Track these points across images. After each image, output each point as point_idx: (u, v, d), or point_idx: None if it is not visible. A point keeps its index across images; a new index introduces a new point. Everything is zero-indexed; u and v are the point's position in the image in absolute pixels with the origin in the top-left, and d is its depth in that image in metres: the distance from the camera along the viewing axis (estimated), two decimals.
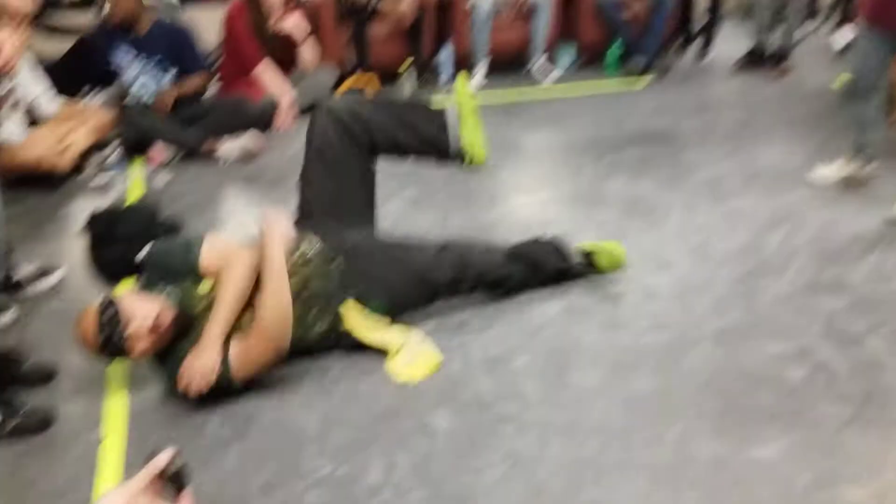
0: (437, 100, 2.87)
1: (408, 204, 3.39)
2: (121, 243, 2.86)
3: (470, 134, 2.71)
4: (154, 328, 2.07)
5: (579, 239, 3.00)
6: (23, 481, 1.89)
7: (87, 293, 2.74)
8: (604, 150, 3.99)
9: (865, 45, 3.24)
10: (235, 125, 4.12)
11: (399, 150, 2.69)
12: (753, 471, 1.88)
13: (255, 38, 4.30)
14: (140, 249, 2.80)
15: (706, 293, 2.66)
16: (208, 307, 2.17)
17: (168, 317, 2.10)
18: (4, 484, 1.89)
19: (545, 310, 2.58)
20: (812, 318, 2.50)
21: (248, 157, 3.91)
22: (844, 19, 6.06)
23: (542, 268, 2.66)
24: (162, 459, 1.06)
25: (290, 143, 4.16)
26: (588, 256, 2.71)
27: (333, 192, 2.60)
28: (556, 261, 2.69)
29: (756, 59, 5.44)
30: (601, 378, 2.23)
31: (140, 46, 4.13)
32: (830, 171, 3.53)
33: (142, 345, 2.08)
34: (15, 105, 3.63)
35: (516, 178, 3.72)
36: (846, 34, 5.86)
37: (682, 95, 4.96)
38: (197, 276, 2.26)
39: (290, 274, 2.22)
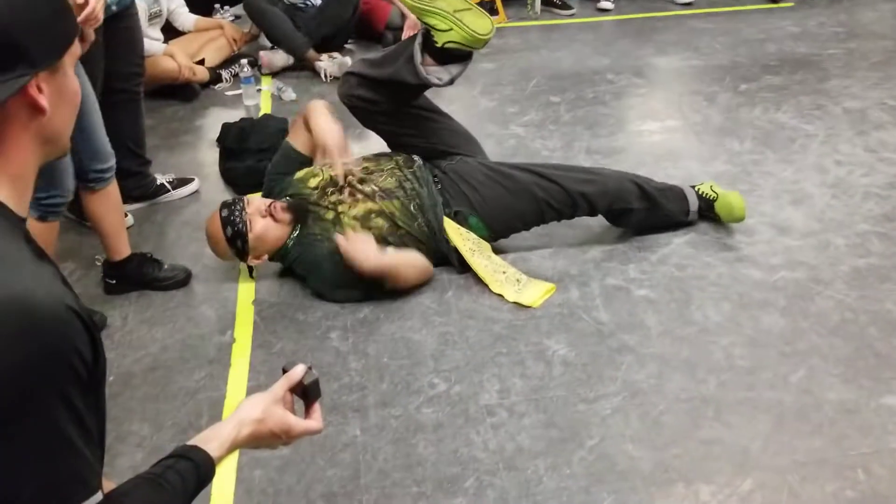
0: None
1: (531, 127, 3.34)
2: (252, 154, 2.96)
3: None
4: (269, 212, 2.27)
5: (709, 170, 2.90)
6: (162, 378, 2.03)
7: (203, 208, 2.85)
8: (740, 77, 3.78)
9: None
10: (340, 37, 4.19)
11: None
12: (885, 418, 1.81)
13: None
14: (270, 160, 2.91)
15: (844, 231, 2.52)
16: (321, 196, 2.35)
17: (282, 205, 2.30)
18: (144, 379, 2.03)
19: (670, 239, 2.52)
20: None
21: (343, 69, 3.91)
22: None
23: (660, 211, 2.52)
24: (298, 372, 1.11)
25: None
26: (709, 202, 2.56)
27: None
28: (678, 211, 2.55)
29: None
30: (726, 314, 2.17)
31: None
32: None
33: (263, 233, 2.26)
34: (157, 16, 3.76)
35: (646, 104, 3.59)
36: None
37: (828, 19, 4.61)
38: (304, 169, 2.46)
39: (383, 174, 2.41)
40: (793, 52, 4.09)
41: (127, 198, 2.68)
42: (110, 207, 2.22)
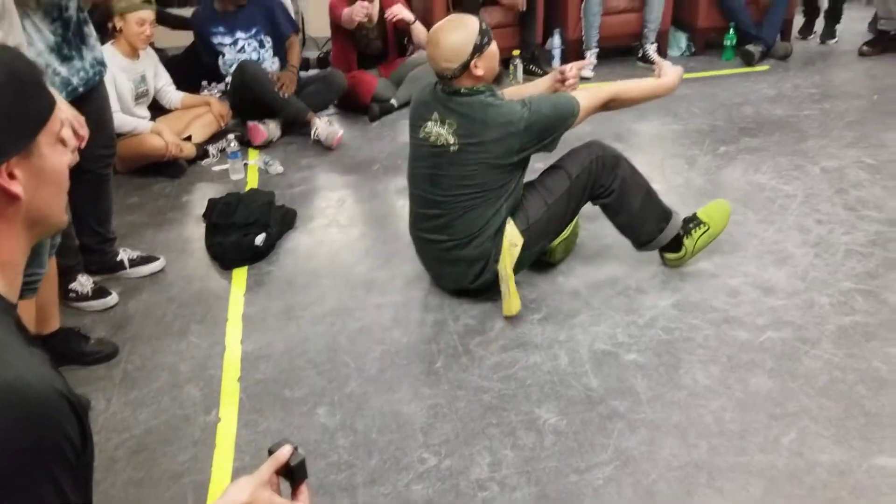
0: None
1: None
2: (238, 229, 2.98)
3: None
4: None
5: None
6: (145, 462, 2.00)
7: (188, 284, 2.86)
8: (719, 140, 3.85)
9: None
10: (330, 98, 4.34)
11: None
12: (877, 479, 1.79)
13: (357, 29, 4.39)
14: (257, 236, 2.93)
15: (828, 289, 2.54)
16: None
17: None
18: (128, 463, 2.00)
19: (657, 302, 2.53)
20: None
21: (333, 138, 3.98)
22: None
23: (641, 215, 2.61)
24: (284, 453, 1.10)
25: (399, 132, 4.22)
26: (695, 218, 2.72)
27: None
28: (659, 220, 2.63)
29: (886, 42, 5.12)
30: (715, 377, 2.17)
31: (237, 24, 4.27)
32: None
33: None
34: (144, 95, 3.82)
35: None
36: None
37: (802, 81, 4.73)
38: None
39: None
40: (769, 115, 4.18)
41: (86, 271, 2.70)
42: (45, 283, 2.19)
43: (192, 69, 4.60)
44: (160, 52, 4.29)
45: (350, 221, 3.25)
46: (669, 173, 3.51)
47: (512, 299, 2.46)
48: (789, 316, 2.41)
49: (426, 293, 2.66)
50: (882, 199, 3.13)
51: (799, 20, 5.69)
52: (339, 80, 4.34)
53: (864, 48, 5.18)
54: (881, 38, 5.14)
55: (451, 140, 2.42)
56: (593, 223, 3.04)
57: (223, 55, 4.29)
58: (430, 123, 2.48)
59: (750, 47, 5.07)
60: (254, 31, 4.29)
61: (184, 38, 4.97)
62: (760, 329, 2.36)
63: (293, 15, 4.80)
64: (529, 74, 4.95)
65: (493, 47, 2.42)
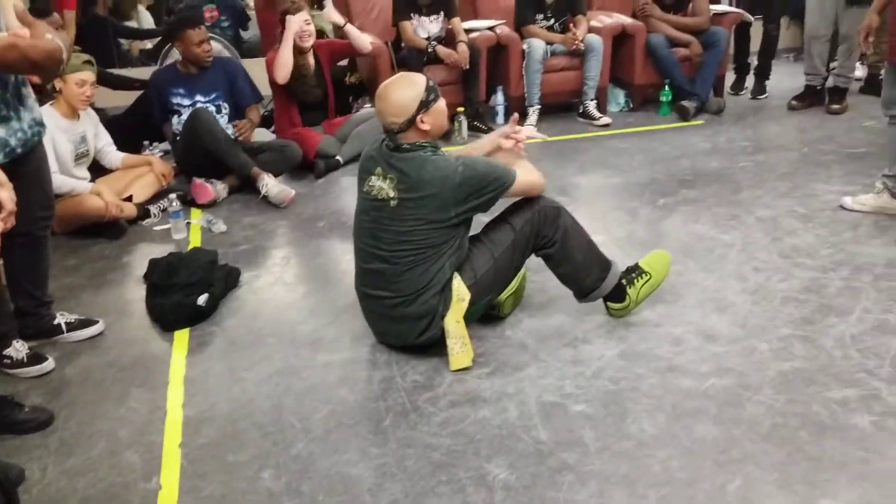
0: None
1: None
2: (179, 289, 2.93)
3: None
4: None
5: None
6: None
7: (128, 347, 2.80)
8: (658, 192, 3.95)
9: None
10: (282, 169, 4.28)
11: None
12: None
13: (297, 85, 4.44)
14: (199, 296, 2.89)
15: (767, 336, 2.60)
16: None
17: None
18: None
19: (603, 352, 2.55)
20: (879, 361, 2.42)
21: (285, 196, 3.96)
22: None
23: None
24: None
25: (345, 189, 4.23)
26: (637, 268, 2.78)
27: None
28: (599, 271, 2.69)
29: (812, 96, 5.36)
30: (661, 426, 2.18)
31: (197, 87, 4.28)
32: (863, 199, 3.59)
33: None
34: (84, 156, 3.77)
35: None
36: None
37: (736, 134, 4.90)
38: None
39: None
40: (706, 167, 4.31)
41: (20, 336, 2.62)
42: None
43: (133, 129, 4.58)
44: (100, 112, 4.25)
45: (296, 279, 3.22)
46: (612, 225, 3.58)
47: (465, 353, 2.46)
48: (731, 363, 2.45)
49: (374, 350, 2.64)
50: (815, 246, 3.23)
51: (731, 77, 5.93)
52: (295, 153, 4.32)
53: (793, 102, 5.40)
54: (809, 92, 5.38)
55: (392, 194, 2.44)
56: (539, 275, 3.07)
57: (179, 114, 4.27)
58: (373, 178, 2.50)
59: (685, 103, 5.25)
60: (213, 95, 4.30)
61: (125, 98, 4.96)
62: (704, 376, 2.39)
63: None
64: (474, 131, 5.03)
65: (441, 104, 2.47)
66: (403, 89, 2.42)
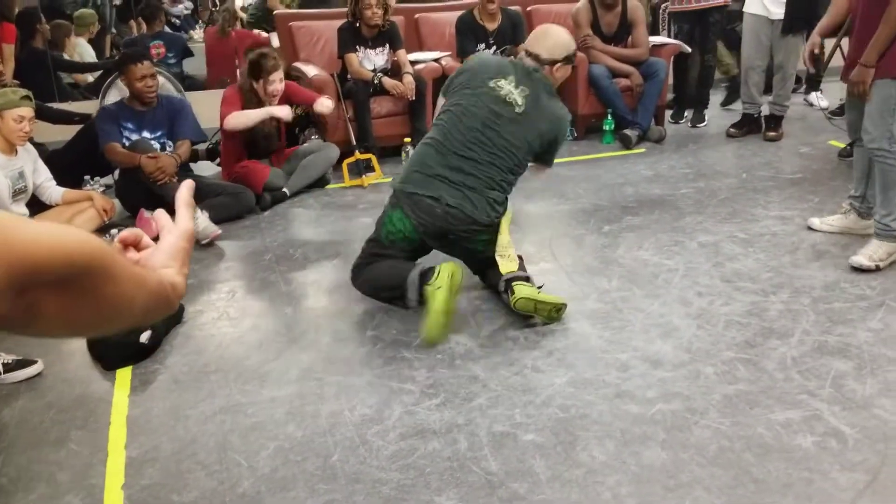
0: None
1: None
2: None
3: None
4: None
5: (582, 309, 3.00)
6: None
7: (68, 388, 2.72)
8: (603, 219, 4.01)
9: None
10: (234, 214, 4.21)
11: None
12: None
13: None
14: (142, 333, 2.82)
15: (712, 359, 2.64)
16: None
17: None
18: None
19: (552, 381, 2.56)
20: (820, 383, 2.47)
21: (209, 233, 3.88)
22: (817, 82, 6.25)
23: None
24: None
25: (291, 221, 4.20)
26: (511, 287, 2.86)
27: None
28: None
29: (750, 124, 5.52)
30: (611, 452, 2.19)
31: (145, 123, 4.22)
32: (830, 220, 3.66)
33: None
34: (22, 192, 3.68)
35: (520, 248, 3.70)
36: (819, 95, 6.07)
37: (677, 162, 5.02)
38: None
39: None
40: (648, 194, 4.39)
41: None
42: None
43: (73, 163, 4.49)
44: (39, 147, 4.16)
45: (241, 313, 3.18)
46: (559, 252, 3.62)
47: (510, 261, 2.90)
48: (677, 387, 2.49)
49: (321, 383, 2.61)
50: (755, 270, 3.31)
51: (671, 105, 6.07)
52: (249, 199, 4.27)
53: (731, 130, 5.56)
54: (746, 120, 5.54)
55: (520, 101, 2.83)
56: (489, 303, 3.09)
57: (124, 146, 4.21)
58: (503, 80, 2.90)
59: (627, 131, 5.36)
60: (159, 133, 4.26)
61: (65, 133, 4.86)
62: (651, 402, 2.42)
63: None
64: None
65: (570, 71, 3.09)
66: (564, 36, 2.99)
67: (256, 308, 3.26)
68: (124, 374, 2.75)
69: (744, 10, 5.30)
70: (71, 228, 0.67)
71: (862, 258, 3.24)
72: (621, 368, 2.61)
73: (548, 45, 2.97)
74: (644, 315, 2.97)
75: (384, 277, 2.96)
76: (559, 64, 2.98)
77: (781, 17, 5.04)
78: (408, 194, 2.90)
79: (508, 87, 2.88)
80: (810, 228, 3.71)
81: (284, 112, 4.35)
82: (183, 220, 0.92)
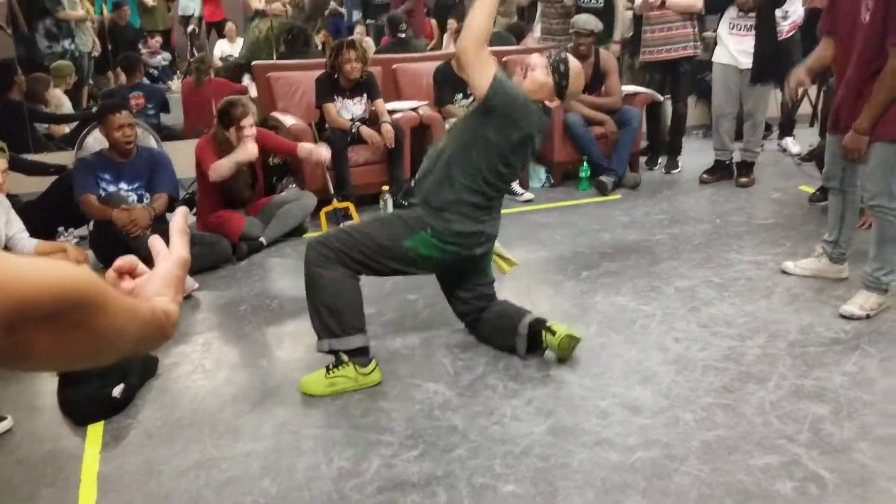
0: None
1: (389, 326, 3.37)
2: (95, 380, 2.81)
3: None
4: None
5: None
6: None
7: (38, 444, 2.66)
8: (581, 265, 4.03)
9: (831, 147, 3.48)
10: (210, 265, 4.18)
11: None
12: None
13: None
14: (115, 387, 2.77)
15: (690, 405, 2.64)
16: None
17: None
18: None
19: (531, 429, 2.54)
20: (798, 427, 2.48)
21: (186, 288, 3.83)
22: (790, 128, 6.39)
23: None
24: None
25: (269, 270, 4.18)
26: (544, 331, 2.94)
27: None
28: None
29: (722, 170, 5.61)
30: (591, 502, 2.17)
31: (123, 174, 4.20)
32: (804, 264, 3.70)
33: None
34: None
35: (499, 295, 3.71)
36: (793, 141, 6.21)
37: (652, 208, 5.07)
38: None
39: None
40: (625, 240, 4.43)
41: None
42: None
43: (48, 215, 4.45)
44: (13, 199, 4.12)
45: (216, 365, 3.13)
46: (538, 299, 3.62)
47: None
48: (657, 434, 2.48)
49: (297, 436, 2.57)
50: (731, 315, 3.33)
51: (645, 153, 6.16)
52: (225, 249, 4.26)
53: (704, 176, 5.64)
54: (718, 167, 5.62)
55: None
56: (467, 352, 3.07)
57: (98, 197, 4.18)
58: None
59: (603, 178, 5.42)
60: (137, 184, 4.23)
61: (39, 184, 4.84)
62: (631, 449, 2.40)
63: None
64: (399, 208, 5.06)
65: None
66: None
67: (232, 360, 3.22)
68: (96, 430, 2.69)
69: (713, 59, 5.43)
70: (60, 263, 0.68)
71: (853, 308, 3.26)
72: (601, 416, 2.60)
73: None
74: (623, 361, 2.97)
75: (349, 302, 2.82)
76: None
77: (749, 66, 5.16)
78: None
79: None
80: (784, 272, 3.75)
81: (249, 153, 4.32)
82: (177, 248, 0.92)
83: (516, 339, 2.97)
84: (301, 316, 3.56)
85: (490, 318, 3.08)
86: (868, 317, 3.23)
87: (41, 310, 0.65)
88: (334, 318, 2.79)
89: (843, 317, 3.25)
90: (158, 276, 0.89)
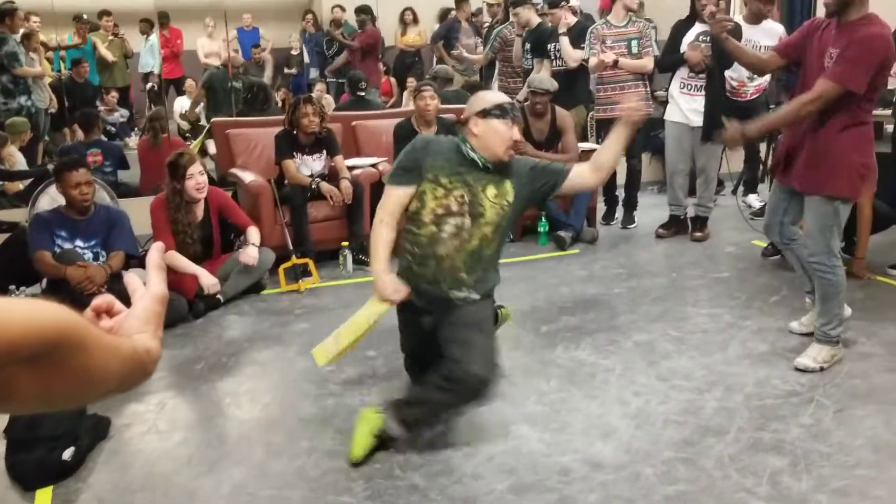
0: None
1: (349, 384, 3.33)
2: (43, 444, 2.72)
3: None
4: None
5: (521, 412, 2.99)
6: None
7: None
8: (540, 320, 4.05)
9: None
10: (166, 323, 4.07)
11: None
12: None
13: (172, 229, 4.34)
14: (65, 450, 2.69)
15: (651, 460, 2.64)
16: None
17: None
18: None
19: (493, 487, 2.51)
20: (757, 480, 2.49)
21: None
22: (753, 184, 6.54)
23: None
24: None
25: (226, 328, 4.12)
26: None
27: None
28: None
29: (677, 225, 5.72)
30: None
31: (79, 232, 4.15)
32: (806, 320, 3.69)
33: None
34: None
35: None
36: (757, 198, 6.36)
37: (610, 262, 5.13)
38: None
39: None
40: (583, 294, 4.47)
41: None
42: None
43: (4, 270, 4.36)
44: None
45: (171, 426, 3.06)
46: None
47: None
48: (618, 490, 2.47)
49: (254, 499, 2.51)
50: (689, 368, 3.36)
51: (602, 208, 6.26)
52: (181, 307, 4.20)
53: (660, 231, 5.74)
54: (674, 221, 5.73)
55: None
56: None
57: (53, 254, 4.11)
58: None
59: (561, 233, 5.49)
60: (93, 242, 4.18)
61: None
62: None
63: None
64: (359, 264, 5.06)
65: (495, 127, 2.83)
66: (489, 94, 2.99)
67: (187, 420, 3.15)
68: (44, 495, 2.60)
69: (665, 118, 5.58)
70: (39, 302, 0.67)
71: (808, 360, 3.31)
72: (562, 472, 2.59)
73: (472, 103, 2.94)
74: (583, 416, 2.97)
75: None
76: (475, 118, 2.83)
77: (700, 124, 5.31)
78: None
79: None
80: (791, 332, 3.71)
81: (208, 282, 4.33)
82: (154, 284, 0.92)
83: None
84: (258, 374, 3.52)
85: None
86: (822, 369, 3.28)
87: (24, 351, 0.64)
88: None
89: (798, 370, 3.30)
90: (137, 314, 0.89)
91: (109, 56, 8.33)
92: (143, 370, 0.84)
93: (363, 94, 6.98)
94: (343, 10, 9.21)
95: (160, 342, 0.89)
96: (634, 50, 5.59)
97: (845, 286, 3.30)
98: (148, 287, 0.92)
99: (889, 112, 6.22)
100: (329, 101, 8.48)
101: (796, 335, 3.65)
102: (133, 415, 3.15)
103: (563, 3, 6.00)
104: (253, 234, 4.55)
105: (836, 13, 3.09)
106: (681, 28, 5.39)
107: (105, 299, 0.91)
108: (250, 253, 4.47)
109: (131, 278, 0.94)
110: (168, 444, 2.91)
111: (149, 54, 8.77)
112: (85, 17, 8.06)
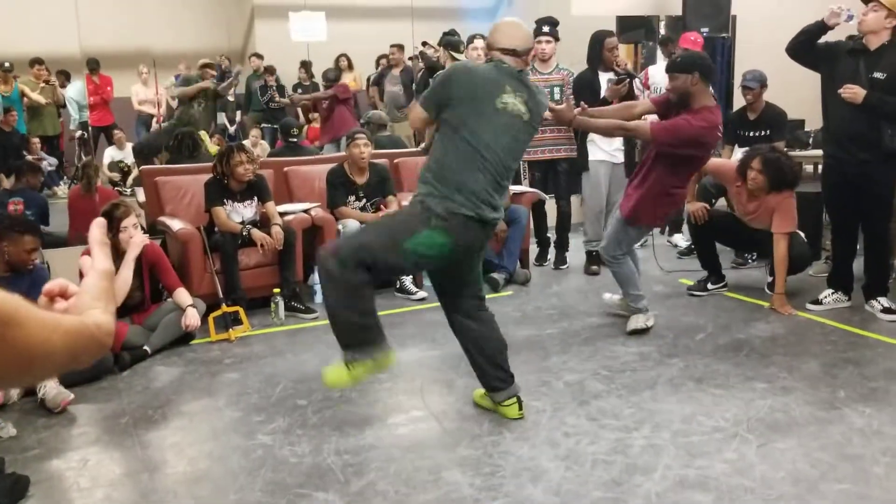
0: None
1: (278, 434, 3.28)
2: None
3: None
4: None
5: (453, 456, 2.99)
6: None
7: None
8: None
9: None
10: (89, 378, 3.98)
11: None
12: None
13: None
14: None
15: (580, 501, 2.66)
16: None
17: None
18: None
19: None
20: None
21: (60, 399, 3.64)
22: (678, 224, 6.74)
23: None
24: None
25: (152, 380, 4.03)
26: None
27: None
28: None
29: (601, 262, 5.85)
30: None
31: (11, 289, 4.02)
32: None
33: None
34: None
35: (391, 398, 3.70)
36: (682, 237, 6.56)
37: (542, 303, 5.20)
38: None
39: None
40: (516, 335, 4.50)
41: None
42: None
43: None
44: None
45: (92, 483, 2.96)
46: (430, 399, 3.62)
47: None
48: None
49: None
50: (618, 407, 3.41)
51: (535, 249, 6.36)
52: (106, 359, 4.08)
53: (593, 268, 5.85)
54: (598, 258, 5.85)
55: (523, 110, 3.01)
56: (357, 456, 3.02)
57: None
58: (506, 95, 2.97)
59: (494, 275, 5.55)
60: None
61: None
62: None
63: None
64: (291, 311, 5.01)
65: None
66: (524, 28, 3.17)
67: (110, 476, 3.05)
68: None
69: (590, 158, 5.77)
70: None
71: (635, 324, 4.41)
72: None
73: (520, 36, 3.13)
74: (515, 459, 2.98)
75: (366, 304, 3.18)
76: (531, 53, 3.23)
77: (622, 160, 5.60)
78: (463, 217, 3.03)
79: (511, 100, 3.01)
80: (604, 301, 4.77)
81: (138, 243, 4.32)
82: (99, 260, 0.99)
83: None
84: (185, 426, 3.44)
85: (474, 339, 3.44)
86: (648, 328, 4.37)
87: None
88: (361, 315, 3.24)
89: (632, 332, 4.35)
90: (86, 291, 0.95)
91: (42, 99, 8.17)
92: (96, 343, 0.90)
93: (295, 140, 7.00)
94: (261, 57, 9.28)
95: (112, 315, 0.95)
96: (557, 97, 5.75)
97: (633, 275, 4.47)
98: (94, 263, 0.98)
99: (806, 153, 6.52)
100: (265, 147, 8.47)
101: (721, 374, 3.74)
102: (53, 472, 3.04)
103: (462, 48, 6.17)
104: (182, 295, 4.47)
105: (678, 105, 4.10)
106: (590, 78, 5.64)
107: (57, 283, 0.97)
108: (191, 315, 4.40)
109: (84, 259, 0.99)
110: (90, 502, 2.81)
111: (70, 106, 8.64)
112: (7, 64, 7.91)
